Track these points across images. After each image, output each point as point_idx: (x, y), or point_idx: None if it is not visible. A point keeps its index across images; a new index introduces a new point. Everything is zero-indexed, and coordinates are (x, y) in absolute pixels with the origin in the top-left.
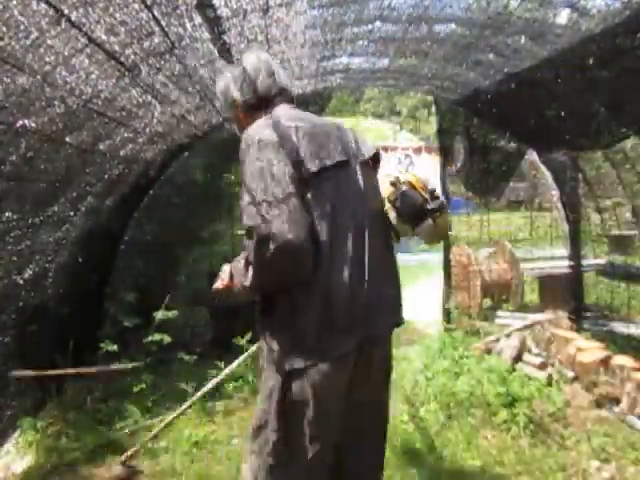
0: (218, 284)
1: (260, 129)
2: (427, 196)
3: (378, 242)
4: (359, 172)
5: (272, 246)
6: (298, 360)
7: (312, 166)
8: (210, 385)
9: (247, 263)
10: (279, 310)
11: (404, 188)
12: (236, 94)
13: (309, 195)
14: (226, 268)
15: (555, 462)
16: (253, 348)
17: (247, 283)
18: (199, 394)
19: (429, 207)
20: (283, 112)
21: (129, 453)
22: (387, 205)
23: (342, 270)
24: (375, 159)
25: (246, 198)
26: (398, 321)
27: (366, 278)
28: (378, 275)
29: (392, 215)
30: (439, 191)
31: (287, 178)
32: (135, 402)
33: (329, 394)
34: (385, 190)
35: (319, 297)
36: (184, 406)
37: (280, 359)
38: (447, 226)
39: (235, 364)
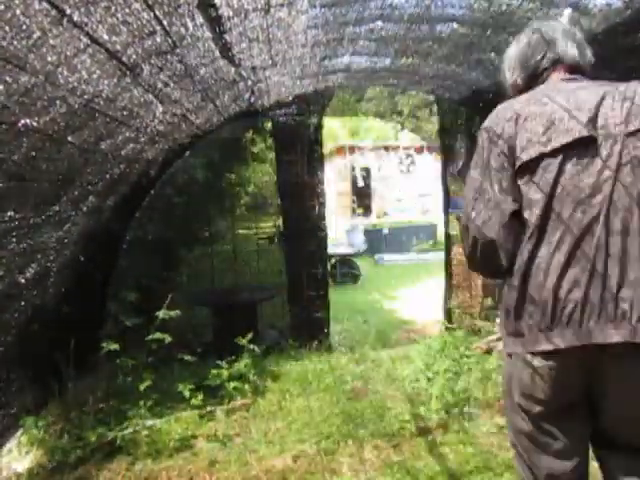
0: None
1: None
2: None
3: (625, 240)
4: (612, 151)
5: (469, 235)
6: (516, 344)
7: (525, 155)
8: None
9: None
10: (506, 293)
11: None
12: (511, 75)
13: (523, 184)
14: None
15: None
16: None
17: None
18: None
19: None
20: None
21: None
22: None
23: (548, 264)
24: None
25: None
26: (635, 337)
27: (586, 278)
28: (611, 277)
29: None
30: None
31: (495, 170)
32: (137, 401)
33: (528, 391)
34: None
35: (522, 290)
36: None
37: (505, 343)
38: None
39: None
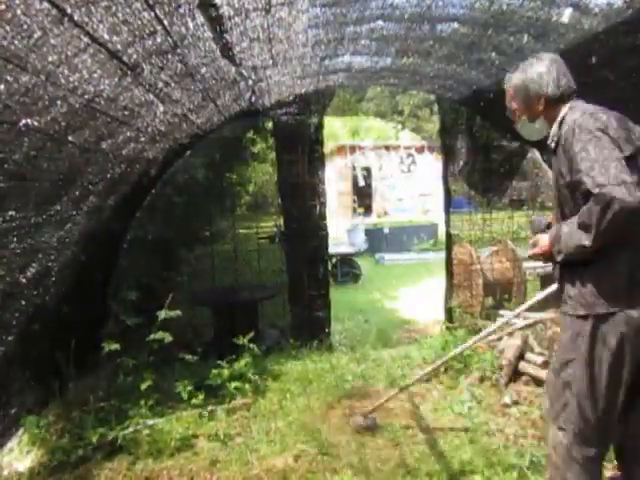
0: (536, 250)
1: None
2: None
3: None
4: None
5: (619, 211)
6: (609, 305)
7: (626, 150)
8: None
9: (582, 227)
10: (594, 263)
11: None
12: (543, 90)
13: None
14: (544, 236)
15: None
16: (548, 291)
17: (587, 242)
18: (458, 350)
19: None
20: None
21: (373, 407)
22: None
23: None
24: None
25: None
26: None
27: None
28: None
29: None
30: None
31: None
32: (138, 401)
33: (631, 342)
34: None
35: (629, 258)
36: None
37: (590, 305)
38: None
39: (530, 303)
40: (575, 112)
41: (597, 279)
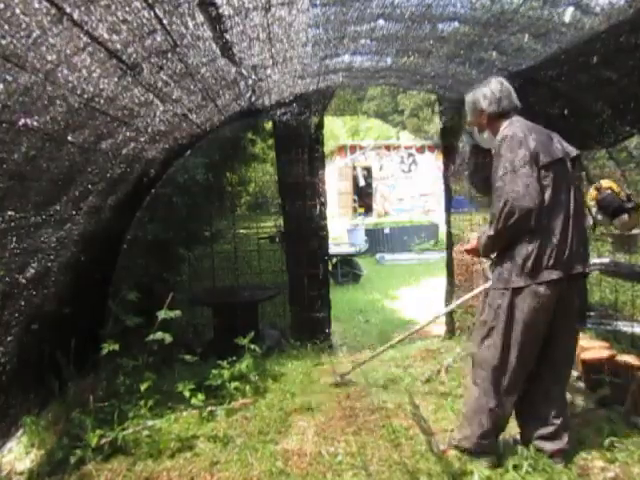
0: (467, 246)
1: (517, 130)
2: (624, 198)
3: (576, 218)
4: (569, 166)
5: (511, 209)
6: (518, 281)
7: (544, 159)
8: (430, 320)
9: (490, 222)
10: (511, 250)
11: (607, 192)
12: (485, 106)
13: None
14: (474, 235)
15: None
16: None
17: (491, 232)
18: (408, 334)
19: (627, 206)
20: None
21: (347, 370)
22: (591, 203)
23: (556, 227)
24: (574, 159)
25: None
26: (584, 271)
27: (569, 238)
28: (575, 238)
29: (594, 210)
30: (632, 195)
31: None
32: (138, 402)
33: (538, 311)
34: (590, 193)
35: (538, 241)
36: (388, 344)
37: (505, 281)
38: (635, 222)
39: (474, 293)
40: (511, 127)
41: (509, 259)
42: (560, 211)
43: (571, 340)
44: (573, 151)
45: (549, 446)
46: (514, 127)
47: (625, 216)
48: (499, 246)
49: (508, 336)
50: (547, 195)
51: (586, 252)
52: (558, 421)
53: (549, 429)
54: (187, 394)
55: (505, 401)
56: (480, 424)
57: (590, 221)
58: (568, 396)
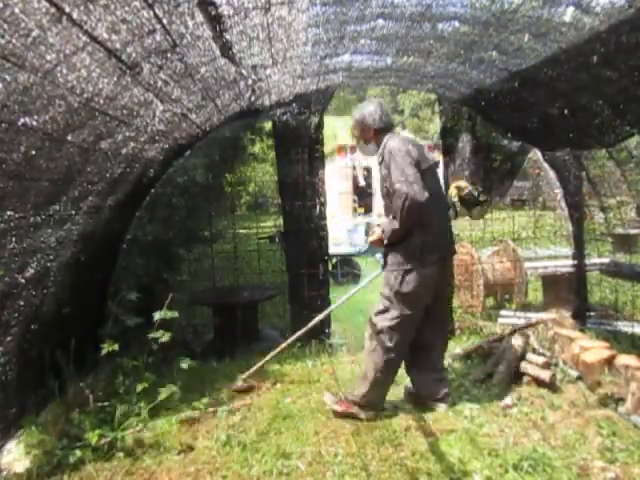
0: (373, 237)
1: (400, 144)
2: (477, 194)
3: (445, 213)
4: (436, 170)
5: (411, 203)
6: (410, 264)
7: (423, 165)
8: (339, 303)
9: (395, 217)
10: (405, 240)
11: (467, 190)
12: (371, 122)
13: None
14: (376, 228)
15: (560, 462)
16: (377, 272)
17: (396, 226)
18: (310, 325)
19: (481, 199)
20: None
21: (248, 373)
22: (455, 199)
23: (430, 222)
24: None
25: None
26: (454, 252)
27: (443, 229)
28: (446, 229)
29: (458, 203)
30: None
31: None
32: (137, 402)
33: (424, 286)
34: (452, 191)
35: (420, 234)
36: (288, 341)
37: (400, 264)
38: (485, 212)
39: (363, 284)
40: (392, 140)
41: (404, 248)
42: (436, 208)
43: (445, 302)
44: (435, 158)
45: (437, 390)
46: (396, 141)
47: (478, 208)
48: (401, 236)
49: (402, 307)
50: (429, 196)
51: (452, 238)
52: (441, 367)
53: (437, 375)
54: (187, 394)
55: (399, 357)
56: (377, 385)
57: (452, 213)
58: (567, 396)
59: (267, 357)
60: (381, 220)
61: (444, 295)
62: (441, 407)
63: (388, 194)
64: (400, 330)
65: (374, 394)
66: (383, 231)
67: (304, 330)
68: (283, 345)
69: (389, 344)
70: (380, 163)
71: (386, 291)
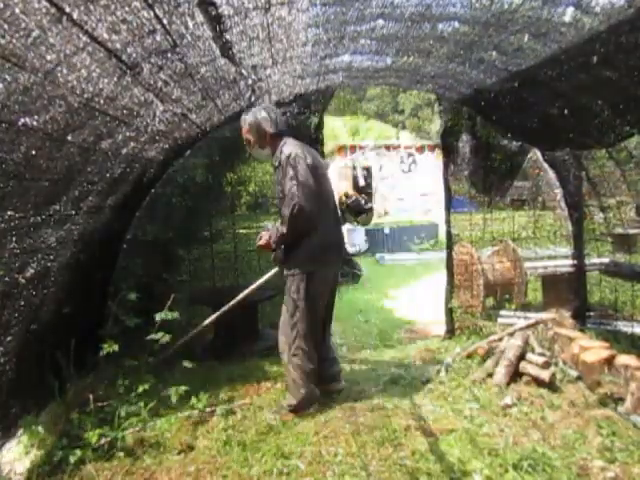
0: (262, 242)
1: (297, 149)
2: (363, 202)
3: (335, 215)
4: (327, 177)
5: (299, 211)
6: (312, 267)
7: (317, 172)
8: (246, 292)
9: (283, 222)
10: (301, 243)
11: (353, 197)
12: (268, 127)
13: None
14: (264, 233)
15: (560, 462)
16: (275, 269)
17: (284, 230)
18: (230, 304)
19: (366, 207)
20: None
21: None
22: (342, 205)
23: (327, 225)
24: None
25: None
26: (343, 256)
27: (337, 232)
28: (339, 233)
29: (345, 211)
30: (367, 199)
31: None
32: (137, 402)
33: (325, 285)
34: (341, 198)
35: (319, 236)
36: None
37: (302, 267)
38: (370, 218)
39: (265, 277)
40: (288, 146)
41: (304, 253)
42: (329, 212)
43: (332, 304)
44: (328, 163)
45: (335, 385)
46: (292, 146)
47: (364, 215)
48: (289, 241)
49: (310, 308)
50: (322, 200)
51: (343, 241)
52: (335, 361)
53: (335, 369)
54: (187, 394)
55: (314, 357)
56: (308, 383)
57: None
58: (567, 396)
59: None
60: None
61: (332, 295)
62: (338, 385)
63: (280, 199)
64: (312, 331)
65: (310, 395)
66: (270, 236)
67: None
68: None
69: (308, 348)
70: (276, 168)
71: (294, 295)
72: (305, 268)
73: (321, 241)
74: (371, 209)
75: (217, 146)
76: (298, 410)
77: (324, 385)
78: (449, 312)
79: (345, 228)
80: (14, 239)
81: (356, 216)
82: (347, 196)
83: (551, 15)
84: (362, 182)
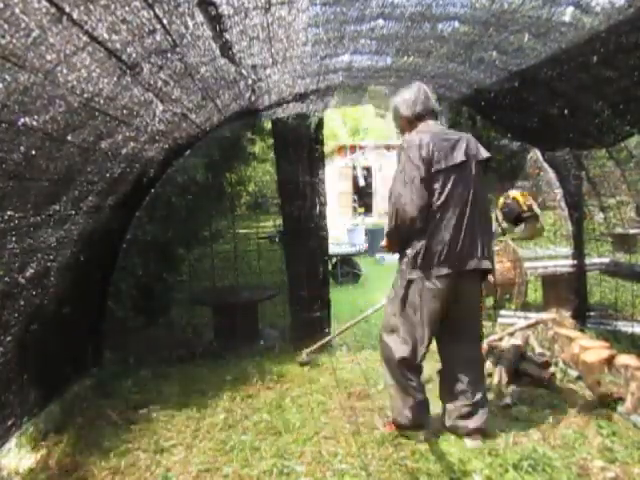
0: (382, 243)
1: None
2: (525, 208)
3: (472, 219)
4: (473, 170)
5: (400, 215)
6: (412, 274)
7: (438, 166)
8: (365, 314)
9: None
10: (407, 247)
11: (509, 201)
12: (404, 111)
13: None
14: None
15: (560, 462)
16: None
17: (387, 230)
18: (360, 317)
19: (524, 216)
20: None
21: (312, 348)
22: (498, 211)
23: (445, 228)
24: (487, 160)
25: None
26: (481, 267)
27: (461, 237)
28: (468, 238)
29: (500, 217)
30: (534, 206)
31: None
32: (137, 401)
33: (429, 298)
34: (499, 202)
35: (426, 240)
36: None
37: (404, 274)
38: (536, 230)
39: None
40: (414, 133)
41: (407, 257)
42: (453, 213)
43: (475, 326)
44: (481, 154)
45: (463, 424)
46: (417, 133)
47: (522, 225)
48: (395, 243)
49: (406, 319)
50: (440, 198)
51: (485, 251)
52: (470, 400)
53: (465, 402)
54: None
55: (413, 374)
56: (406, 399)
57: (496, 227)
58: (567, 396)
59: (335, 333)
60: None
61: (471, 317)
62: (468, 443)
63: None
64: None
65: (401, 408)
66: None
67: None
68: (349, 324)
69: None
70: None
71: (394, 301)
72: (406, 274)
73: (429, 247)
74: (532, 217)
75: (217, 146)
76: (397, 424)
77: (446, 429)
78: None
79: (344, 228)
80: (14, 239)
81: (514, 225)
82: (506, 198)
83: (551, 15)
84: (362, 182)
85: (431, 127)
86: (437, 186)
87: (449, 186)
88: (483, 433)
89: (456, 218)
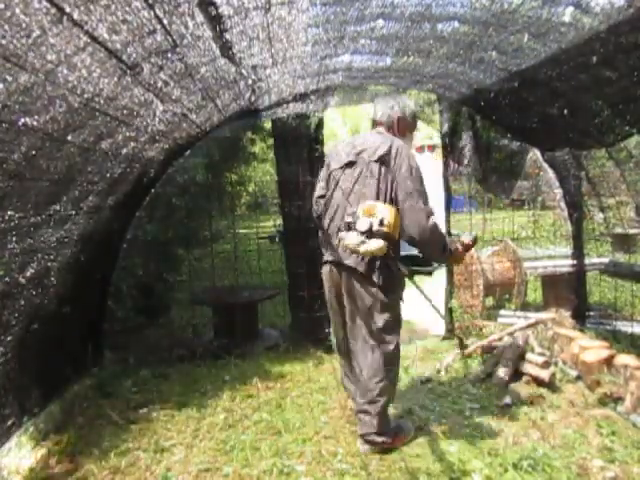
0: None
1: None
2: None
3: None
4: (363, 171)
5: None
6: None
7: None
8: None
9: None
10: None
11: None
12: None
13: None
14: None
15: (560, 461)
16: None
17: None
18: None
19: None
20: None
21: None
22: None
23: (329, 223)
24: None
25: None
26: (344, 263)
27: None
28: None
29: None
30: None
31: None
32: (137, 401)
33: (326, 283)
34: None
35: (321, 232)
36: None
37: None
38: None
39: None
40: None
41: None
42: (335, 209)
43: (368, 330)
44: (375, 154)
45: (358, 425)
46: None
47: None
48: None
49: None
50: (329, 195)
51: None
52: (359, 406)
53: (360, 406)
54: (184, 395)
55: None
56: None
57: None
58: (567, 395)
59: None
60: None
61: (361, 316)
62: (359, 446)
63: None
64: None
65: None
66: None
67: None
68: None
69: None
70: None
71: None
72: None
73: (323, 238)
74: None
75: (217, 146)
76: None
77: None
78: (449, 312)
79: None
80: (14, 239)
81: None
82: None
83: (551, 15)
84: None
85: (363, 134)
86: (331, 184)
87: (335, 185)
88: (369, 442)
89: (338, 214)
